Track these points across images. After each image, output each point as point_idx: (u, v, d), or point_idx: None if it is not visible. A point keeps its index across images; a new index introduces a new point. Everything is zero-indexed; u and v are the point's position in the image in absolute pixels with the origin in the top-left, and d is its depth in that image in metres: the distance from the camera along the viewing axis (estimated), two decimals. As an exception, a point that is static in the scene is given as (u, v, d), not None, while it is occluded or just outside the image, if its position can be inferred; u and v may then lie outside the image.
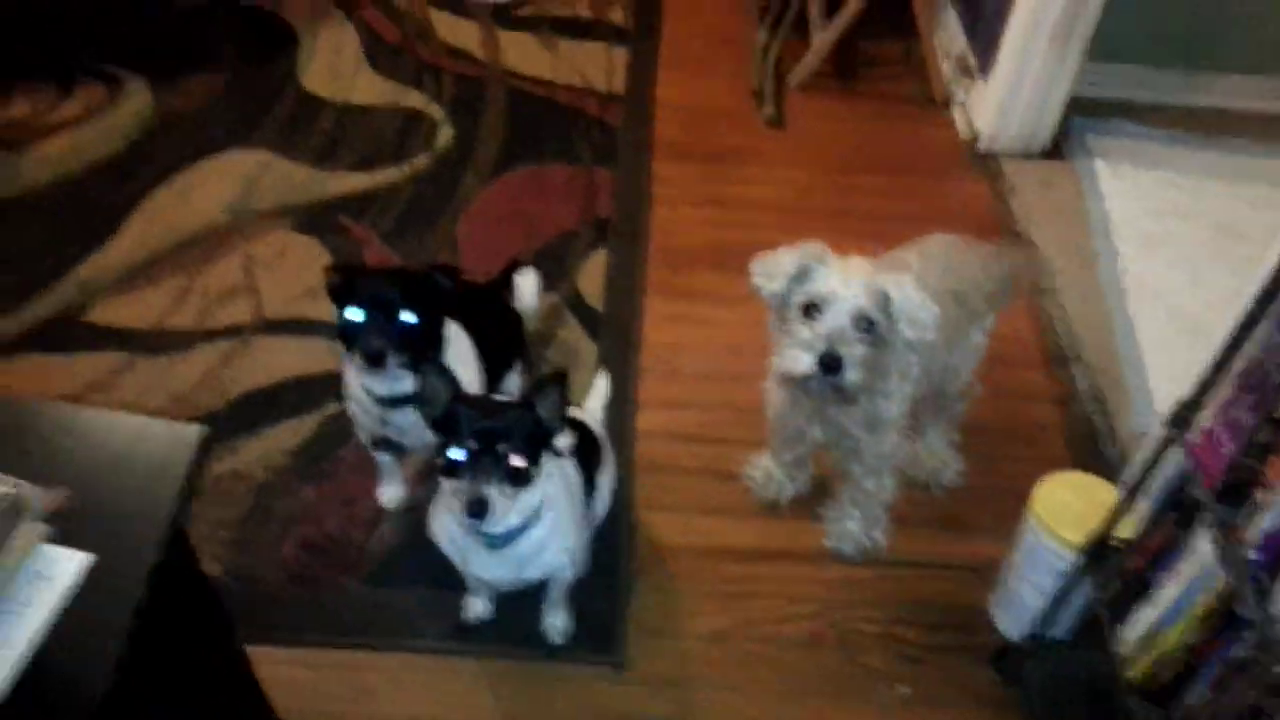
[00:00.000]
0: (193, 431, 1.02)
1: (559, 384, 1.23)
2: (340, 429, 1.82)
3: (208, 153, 2.45)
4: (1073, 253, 2.28)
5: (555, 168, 2.51)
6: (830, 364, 1.30)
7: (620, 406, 1.94)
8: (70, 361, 1.94)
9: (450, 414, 1.21)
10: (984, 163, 2.60)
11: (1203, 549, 1.13)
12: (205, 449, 1.02)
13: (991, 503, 1.81)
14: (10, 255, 2.15)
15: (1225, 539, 1.07)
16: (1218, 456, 1.11)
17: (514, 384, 1.84)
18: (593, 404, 1.80)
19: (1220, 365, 1.13)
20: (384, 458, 1.71)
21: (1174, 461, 1.21)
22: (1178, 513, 1.20)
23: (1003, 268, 1.70)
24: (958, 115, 2.75)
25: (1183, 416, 1.18)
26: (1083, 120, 2.66)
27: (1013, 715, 1.54)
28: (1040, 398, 2.04)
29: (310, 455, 1.83)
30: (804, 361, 1.31)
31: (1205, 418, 1.15)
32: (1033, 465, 1.67)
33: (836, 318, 1.32)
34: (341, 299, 1.38)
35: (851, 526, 1.73)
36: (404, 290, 1.39)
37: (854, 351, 1.31)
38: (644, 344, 2.10)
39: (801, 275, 1.36)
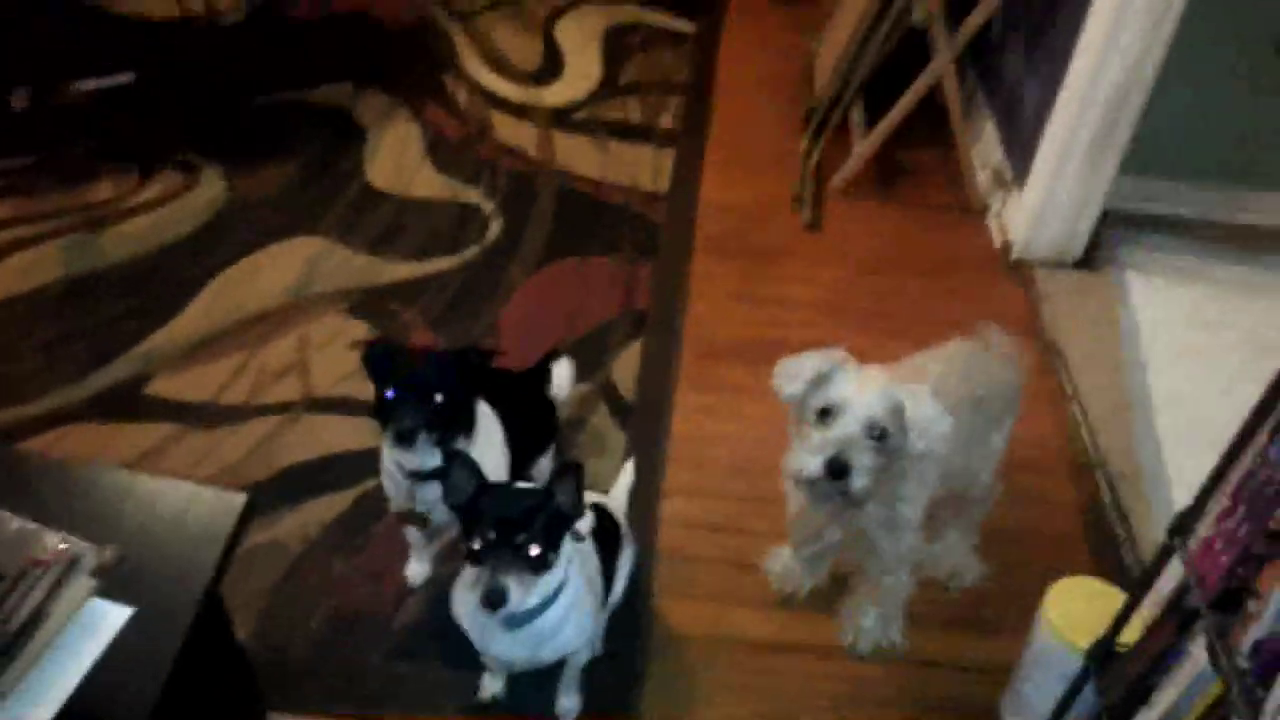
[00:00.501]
0: (238, 500, 1.10)
1: (576, 473, 1.29)
2: (375, 504, 1.90)
3: (275, 238, 2.60)
4: (1101, 361, 2.31)
5: (598, 261, 2.62)
6: (837, 470, 1.34)
7: (646, 494, 1.99)
8: (127, 431, 2.06)
9: (473, 504, 1.28)
10: (1017, 270, 2.66)
11: (1199, 655, 1.14)
12: (248, 516, 1.11)
13: (1010, 606, 1.81)
14: (85, 327, 2.30)
15: (1219, 646, 1.08)
16: (1215, 565, 1.13)
17: (545, 467, 1.91)
18: (617, 491, 1.86)
19: (1219, 476, 1.16)
20: (413, 533, 1.78)
21: (1175, 569, 1.22)
22: (1178, 619, 1.21)
23: (1020, 372, 1.74)
24: (992, 224, 2.82)
25: (1183, 525, 1.20)
26: (1117, 232, 2.71)
27: (1024, 825, 1.53)
28: (1064, 505, 2.05)
29: (345, 529, 1.91)
30: (812, 465, 1.36)
31: (1205, 527, 1.17)
32: (1053, 572, 1.67)
33: (848, 425, 1.37)
34: (379, 378, 1.47)
35: (868, 624, 1.74)
36: (437, 371, 1.48)
37: (863, 459, 1.35)
38: (673, 434, 2.16)
39: (820, 380, 1.41)
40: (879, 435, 1.36)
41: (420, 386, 1.47)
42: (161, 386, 2.17)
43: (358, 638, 1.73)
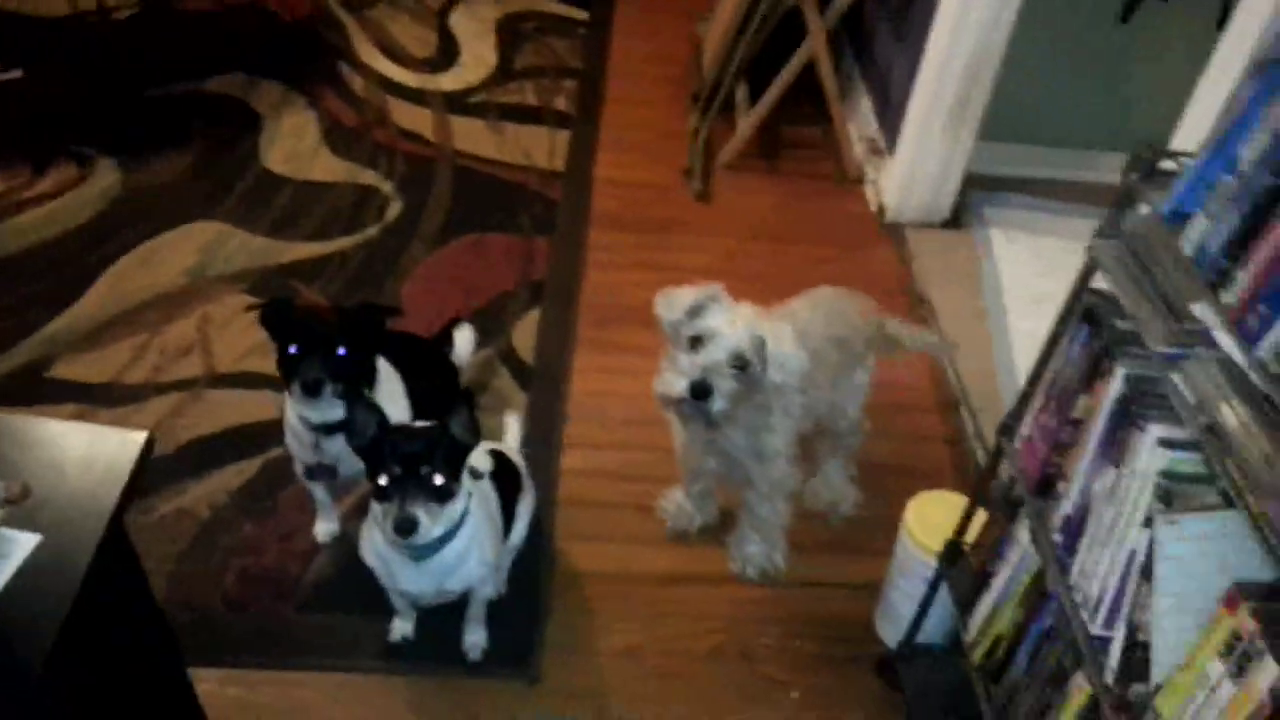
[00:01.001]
0: (139, 436, 1.17)
1: (467, 402, 1.39)
2: (281, 471, 1.97)
3: (172, 225, 2.63)
4: (966, 310, 2.49)
5: (497, 237, 2.71)
6: (700, 392, 1.47)
7: (546, 448, 2.10)
8: (32, 413, 2.07)
9: (376, 443, 1.37)
10: (891, 232, 2.84)
11: (1023, 538, 1.30)
12: (149, 451, 1.17)
13: (885, 530, 1.95)
14: (-20, 317, 2.30)
15: (1037, 526, 1.24)
16: (1034, 458, 1.29)
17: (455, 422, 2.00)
18: (509, 440, 1.96)
19: (1034, 379, 1.32)
20: (318, 490, 1.85)
21: (1006, 469, 1.38)
22: (1008, 512, 1.37)
23: (882, 321, 1.90)
24: (869, 191, 3.00)
25: (1008, 427, 1.36)
26: (980, 194, 2.91)
27: (896, 718, 1.68)
28: (933, 438, 2.22)
29: (252, 495, 1.96)
30: (678, 386, 1.48)
31: (1026, 426, 1.33)
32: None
33: (714, 353, 1.50)
34: (280, 334, 1.54)
35: (752, 550, 1.88)
36: (338, 324, 1.56)
37: (723, 384, 1.48)
38: (572, 393, 2.27)
39: (695, 311, 1.54)
40: (740, 365, 1.50)
41: (322, 340, 1.54)
42: (64, 370, 2.19)
43: (271, 595, 1.80)
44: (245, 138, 2.98)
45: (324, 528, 1.90)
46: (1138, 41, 2.76)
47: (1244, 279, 0.89)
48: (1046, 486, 1.25)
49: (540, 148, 3.09)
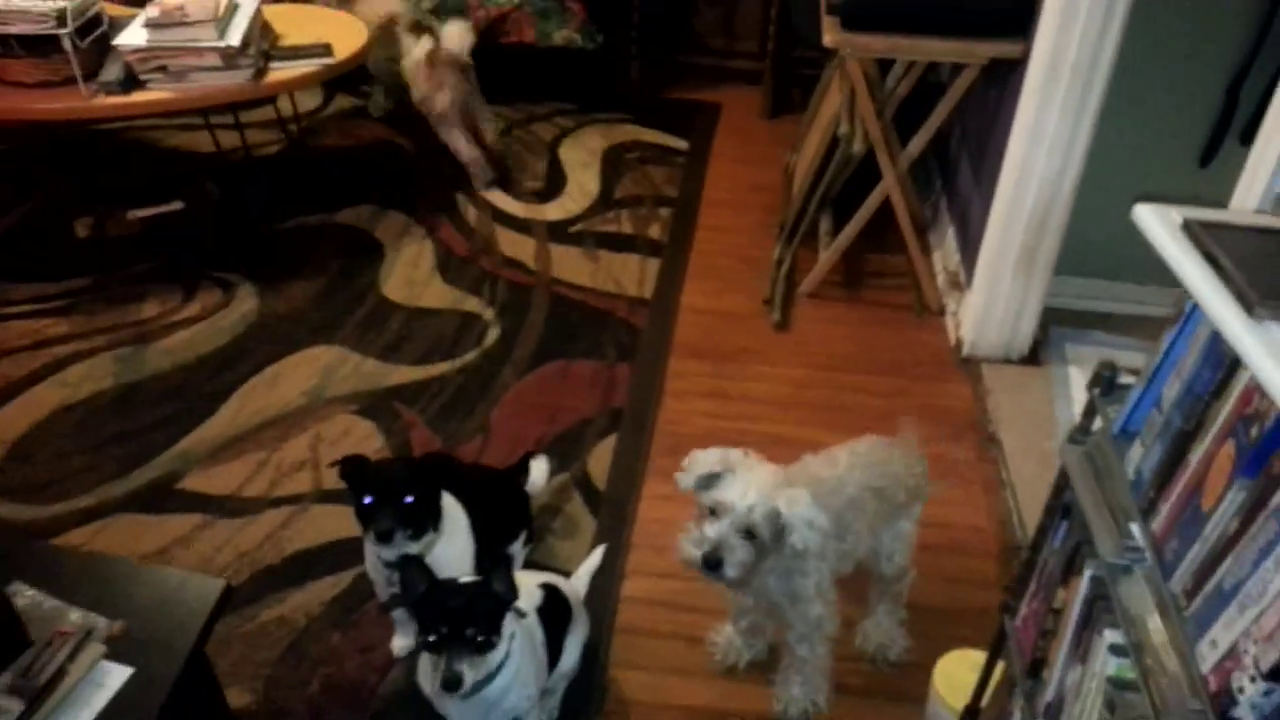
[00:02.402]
0: (217, 584, 1.39)
1: (506, 564, 1.57)
2: (368, 585, 2.17)
3: (297, 348, 2.94)
4: (1034, 453, 2.51)
5: (582, 364, 2.91)
6: (711, 564, 1.58)
7: (609, 574, 2.24)
8: (160, 521, 2.37)
9: (425, 601, 1.55)
10: (967, 367, 2.89)
11: (1018, 717, 1.35)
12: (226, 598, 1.38)
13: (929, 677, 2.00)
14: (129, 431, 2.63)
15: (1025, 709, 1.29)
16: (1028, 639, 1.34)
17: (517, 551, 2.17)
18: (583, 570, 2.12)
19: (1030, 560, 1.38)
20: (397, 613, 2.04)
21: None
22: (1009, 685, 1.42)
23: (922, 464, 1.97)
24: (949, 323, 3.06)
25: (1009, 605, 1.41)
26: (1063, 329, 2.93)
27: None
28: (989, 585, 2.24)
29: (343, 607, 2.17)
30: (692, 557, 1.60)
31: (1024, 604, 1.38)
32: (973, 646, 1.87)
33: (723, 527, 1.60)
34: (356, 487, 1.76)
35: (795, 692, 1.94)
36: (405, 477, 1.77)
37: (735, 555, 1.59)
38: (638, 520, 2.40)
39: (709, 481, 1.66)
40: (751, 536, 1.60)
41: (392, 492, 1.75)
42: (192, 483, 2.49)
43: (348, 704, 1.98)
44: (368, 266, 3.31)
45: (400, 643, 2.09)
46: (1217, 184, 2.75)
47: (1165, 510, 0.96)
48: (1035, 669, 1.30)
49: (631, 275, 3.30)
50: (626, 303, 3.18)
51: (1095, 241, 2.83)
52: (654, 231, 3.54)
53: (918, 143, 2.96)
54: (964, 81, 2.79)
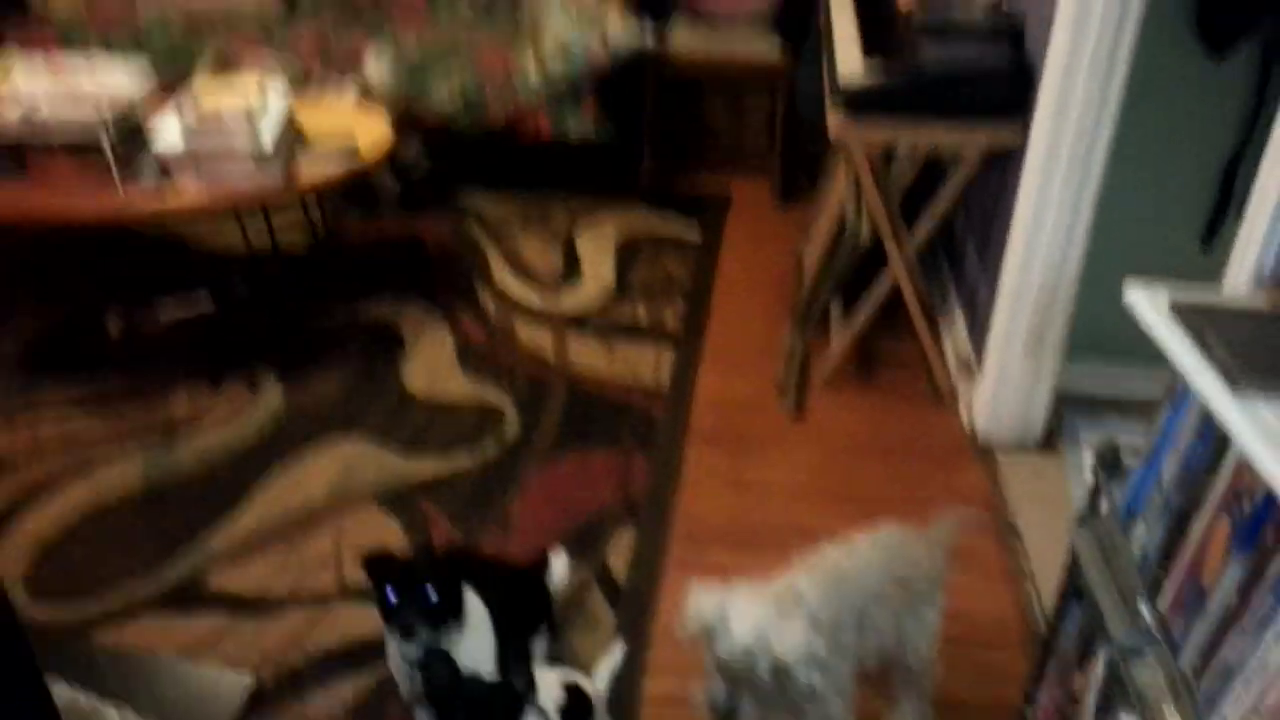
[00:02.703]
0: (245, 680, 1.42)
1: (526, 661, 1.59)
2: (392, 683, 2.18)
3: (321, 443, 3.00)
4: (1052, 540, 2.51)
5: (600, 455, 2.95)
6: (725, 714, 1.61)
7: (630, 671, 2.24)
8: (187, 621, 2.39)
9: (449, 697, 1.57)
10: (982, 454, 2.91)
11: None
12: (252, 698, 1.41)
13: (954, 776, 1.99)
14: (157, 530, 2.68)
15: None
16: (1051, 736, 1.35)
17: (540, 645, 2.19)
18: (602, 670, 2.13)
19: (1045, 651, 1.39)
20: (420, 709, 2.05)
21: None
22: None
23: (944, 550, 1.99)
24: (962, 410, 3.09)
25: (1030, 695, 1.42)
26: (1077, 414, 2.95)
27: None
28: (1012, 677, 2.23)
29: (367, 708, 2.18)
30: (703, 705, 1.62)
31: (1043, 694, 1.39)
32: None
33: (716, 686, 1.62)
34: (379, 583, 1.79)
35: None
36: (428, 573, 1.80)
37: (745, 707, 1.60)
38: (659, 614, 2.41)
39: (703, 634, 1.68)
40: (755, 680, 1.60)
41: (414, 588, 1.78)
42: (217, 581, 2.52)
43: (370, 808, 1.98)
44: (390, 359, 3.38)
45: (423, 743, 2.09)
46: (1219, 263, 2.80)
47: (1170, 589, 0.98)
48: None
49: (647, 365, 3.36)
50: (643, 393, 3.23)
51: (1105, 323, 2.87)
52: (669, 320, 3.61)
53: (923, 230, 3.03)
54: (965, 167, 2.87)
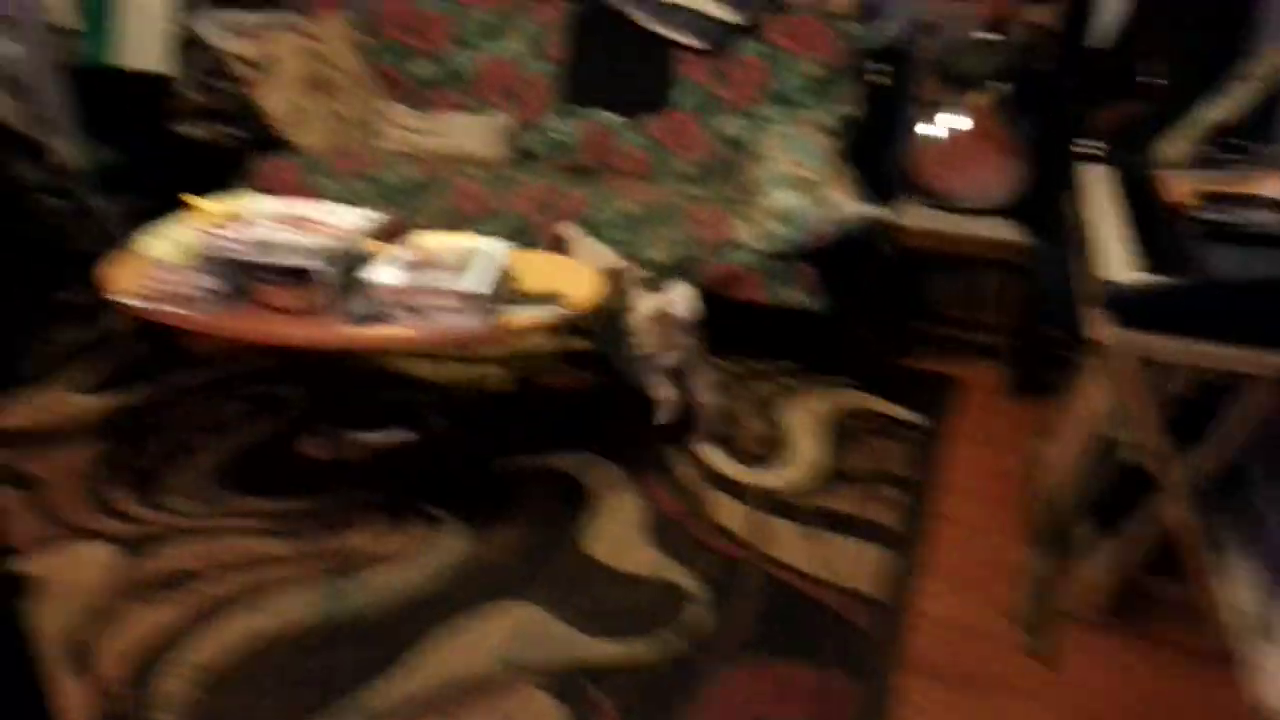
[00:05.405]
0: None
1: None
2: None
3: (492, 600, 2.77)
4: None
5: (794, 666, 2.56)
6: None
7: None
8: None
9: None
10: (1281, 742, 2.32)
11: None
12: None
13: None
14: (321, 672, 2.50)
15: None
16: None
17: None
18: None
19: None
20: None
21: None
22: None
23: None
24: (1257, 681, 2.50)
25: None
26: None
27: None
28: None
29: None
30: None
31: None
32: None
33: None
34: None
35: None
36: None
37: None
38: None
39: None
40: None
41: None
42: (362, 747, 2.28)
43: None
44: (574, 517, 3.15)
45: None
46: None
47: None
48: None
49: (855, 564, 2.97)
50: (849, 596, 2.83)
51: None
52: (882, 515, 3.22)
53: (1203, 458, 2.55)
54: (1260, 394, 2.41)
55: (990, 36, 4.25)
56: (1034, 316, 4.01)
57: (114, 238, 3.89)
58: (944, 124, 4.33)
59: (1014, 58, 4.26)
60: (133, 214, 4.39)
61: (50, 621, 2.61)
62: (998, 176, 4.29)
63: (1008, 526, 3.16)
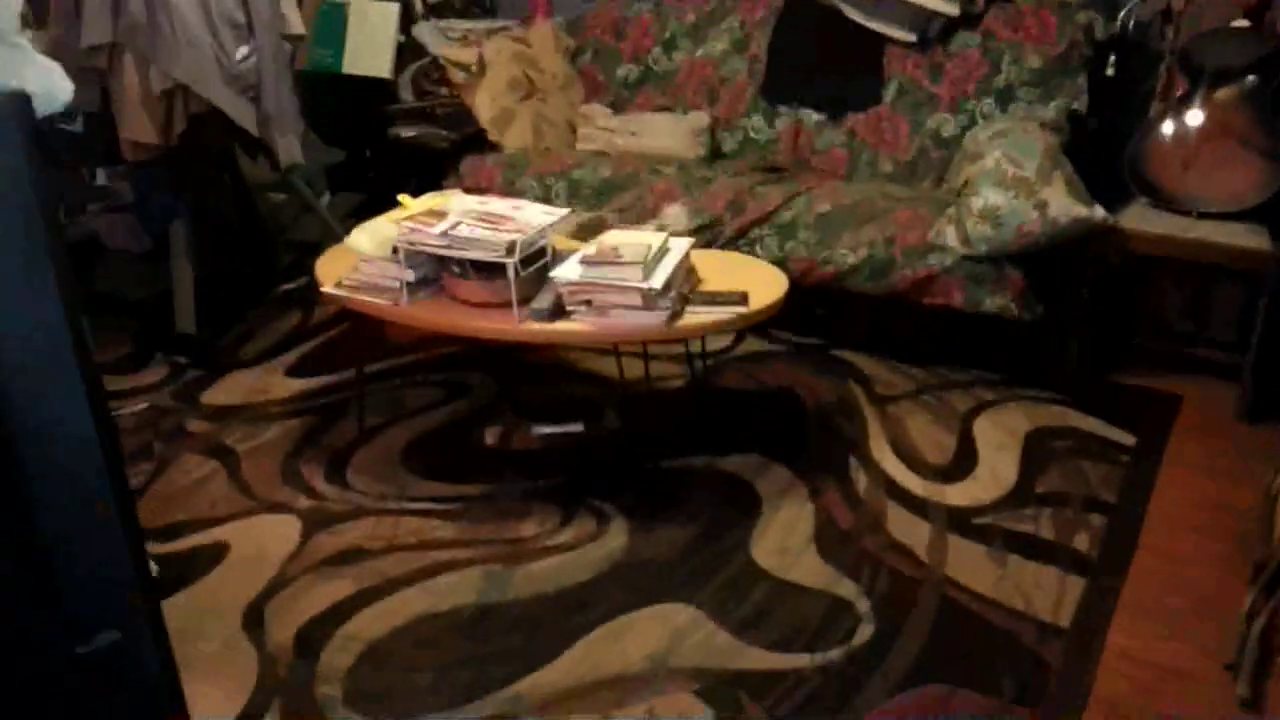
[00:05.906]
0: None
1: None
2: None
3: (652, 601, 2.75)
4: None
5: (969, 696, 2.38)
6: None
7: None
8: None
9: None
10: None
11: None
12: None
13: None
14: (477, 656, 2.57)
15: None
16: None
17: None
18: None
19: None
20: None
21: None
22: None
23: None
24: None
25: None
26: None
27: None
28: None
29: None
30: None
31: None
32: None
33: None
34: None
35: None
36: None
37: None
38: None
39: None
40: None
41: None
42: (515, 732, 2.32)
43: None
44: (742, 522, 3.08)
45: None
46: None
47: None
48: None
49: (1045, 593, 2.73)
50: (1035, 627, 2.60)
51: None
52: (1080, 542, 2.94)
53: None
54: None
55: (1246, 25, 3.80)
56: (1276, 332, 3.55)
57: (335, 233, 4.19)
58: (1183, 120, 3.92)
59: (1274, 50, 3.79)
60: (354, 211, 4.73)
61: (231, 588, 2.82)
62: (1242, 178, 3.83)
63: (1222, 563, 2.81)
